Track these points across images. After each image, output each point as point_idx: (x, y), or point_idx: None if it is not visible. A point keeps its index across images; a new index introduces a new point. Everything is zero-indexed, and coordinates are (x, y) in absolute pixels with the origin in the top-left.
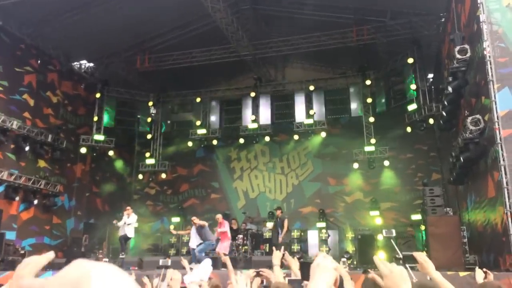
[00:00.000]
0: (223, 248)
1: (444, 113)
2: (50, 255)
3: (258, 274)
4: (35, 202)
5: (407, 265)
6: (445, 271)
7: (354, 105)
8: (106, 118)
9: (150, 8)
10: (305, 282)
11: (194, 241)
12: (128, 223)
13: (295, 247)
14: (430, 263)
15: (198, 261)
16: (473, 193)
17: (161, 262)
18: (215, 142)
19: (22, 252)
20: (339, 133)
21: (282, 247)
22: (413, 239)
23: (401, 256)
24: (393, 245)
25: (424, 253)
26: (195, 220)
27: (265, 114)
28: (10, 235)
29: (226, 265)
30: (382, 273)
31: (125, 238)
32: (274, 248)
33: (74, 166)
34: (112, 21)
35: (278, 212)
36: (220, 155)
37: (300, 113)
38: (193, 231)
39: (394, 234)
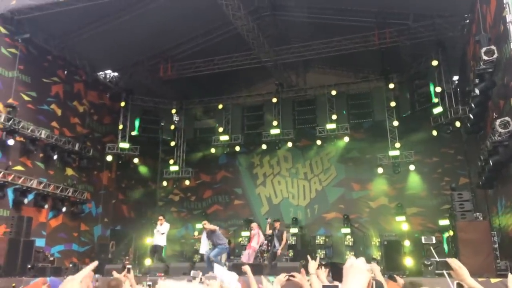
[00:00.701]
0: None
1: (471, 116)
2: (94, 264)
3: (289, 279)
4: (64, 209)
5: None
6: (476, 278)
7: (377, 109)
8: (133, 126)
9: (172, 17)
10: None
11: (205, 246)
12: (162, 232)
13: (320, 253)
14: (464, 269)
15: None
16: (504, 197)
17: (192, 273)
18: (237, 148)
19: (51, 259)
20: (362, 137)
21: (318, 256)
22: (441, 245)
23: (437, 259)
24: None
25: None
26: (206, 224)
27: (287, 120)
28: (40, 242)
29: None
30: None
31: (158, 247)
32: (309, 257)
33: (101, 174)
34: (135, 31)
35: (277, 224)
36: (243, 161)
37: (322, 118)
38: (203, 236)
39: (434, 241)
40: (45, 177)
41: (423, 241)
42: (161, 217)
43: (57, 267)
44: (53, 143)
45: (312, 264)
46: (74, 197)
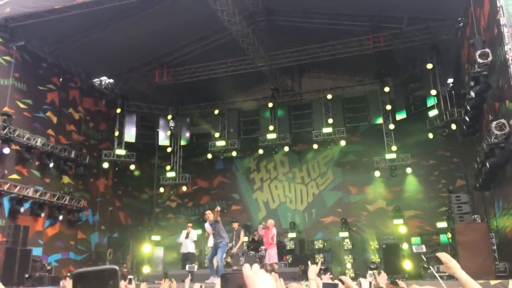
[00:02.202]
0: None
1: (467, 118)
2: None
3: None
4: (60, 218)
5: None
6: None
7: (373, 113)
8: (129, 133)
9: (167, 23)
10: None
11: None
12: (195, 239)
13: (319, 258)
14: (454, 262)
15: (219, 272)
16: (501, 199)
17: (187, 267)
18: (234, 153)
19: (49, 268)
20: (358, 141)
21: (320, 262)
22: (440, 247)
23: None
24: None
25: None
26: (209, 214)
27: (284, 124)
28: (37, 251)
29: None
30: (442, 259)
31: (190, 254)
32: (310, 262)
33: (97, 181)
34: (130, 37)
35: (235, 225)
36: (240, 166)
37: (318, 122)
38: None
39: (424, 250)
40: (41, 185)
41: (414, 250)
42: (190, 224)
43: (54, 276)
44: (49, 151)
45: (313, 269)
46: (71, 205)
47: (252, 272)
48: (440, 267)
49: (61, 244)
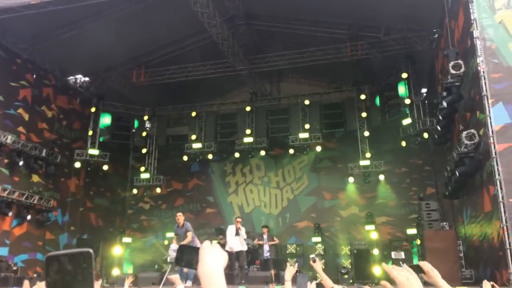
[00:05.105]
0: None
1: (438, 127)
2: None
3: None
4: (28, 217)
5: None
6: None
7: (349, 120)
8: (103, 132)
9: (147, 24)
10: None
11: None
12: (245, 237)
13: (291, 263)
14: (436, 271)
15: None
16: (469, 207)
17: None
18: (210, 156)
19: (15, 268)
20: (334, 147)
21: (296, 263)
22: (409, 253)
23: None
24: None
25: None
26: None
27: (261, 128)
28: (3, 251)
29: None
30: (398, 281)
31: (240, 252)
32: (288, 263)
33: (68, 181)
34: (108, 36)
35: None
36: (215, 169)
37: (295, 127)
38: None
39: (403, 257)
40: (9, 184)
41: (393, 256)
42: (239, 219)
43: (20, 277)
44: (19, 148)
45: (289, 270)
46: (40, 205)
47: (208, 246)
48: (422, 275)
49: (29, 245)
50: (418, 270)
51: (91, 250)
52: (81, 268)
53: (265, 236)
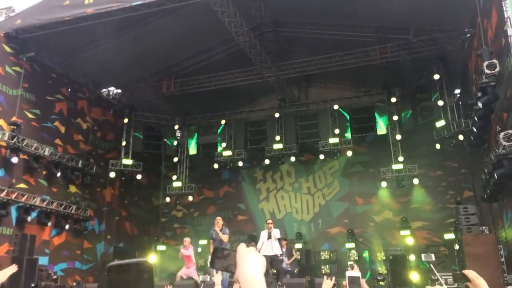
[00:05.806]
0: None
1: (474, 129)
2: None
3: None
4: (67, 227)
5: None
6: None
7: (380, 123)
8: (136, 143)
9: (175, 34)
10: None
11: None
12: (278, 236)
13: (325, 269)
14: (482, 279)
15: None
16: (509, 210)
17: (201, 278)
18: (240, 163)
19: (55, 277)
20: (365, 151)
21: (334, 277)
22: (447, 259)
23: (441, 280)
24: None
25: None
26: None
27: (290, 135)
28: (43, 261)
29: None
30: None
31: (275, 257)
32: (325, 276)
33: (104, 191)
34: (138, 49)
35: (283, 243)
36: (246, 176)
37: (325, 133)
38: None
39: (433, 259)
40: (48, 195)
41: (423, 259)
42: (270, 220)
43: (60, 285)
44: (57, 160)
45: (327, 284)
46: (77, 214)
47: (245, 249)
48: (468, 284)
49: (67, 253)
50: (463, 278)
51: (150, 261)
52: (143, 278)
53: (284, 249)
